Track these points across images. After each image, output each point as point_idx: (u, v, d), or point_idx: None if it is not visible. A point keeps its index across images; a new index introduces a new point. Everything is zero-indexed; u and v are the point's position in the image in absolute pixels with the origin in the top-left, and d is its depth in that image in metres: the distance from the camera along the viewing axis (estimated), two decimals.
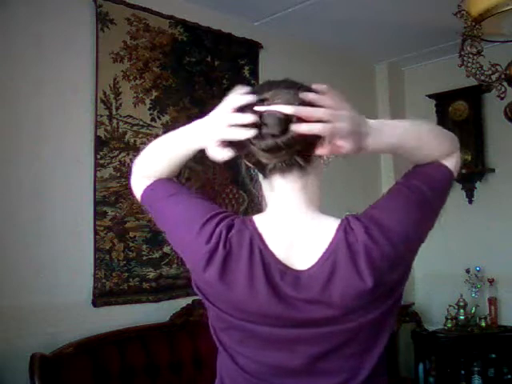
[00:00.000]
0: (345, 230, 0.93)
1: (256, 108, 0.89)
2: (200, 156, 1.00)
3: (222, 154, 0.91)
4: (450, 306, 3.65)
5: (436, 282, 3.93)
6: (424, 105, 3.95)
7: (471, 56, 2.24)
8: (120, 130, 2.69)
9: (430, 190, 0.97)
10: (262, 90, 0.92)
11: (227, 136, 0.89)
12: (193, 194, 1.07)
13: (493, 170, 3.77)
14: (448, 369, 3.54)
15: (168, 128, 2.70)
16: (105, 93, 2.64)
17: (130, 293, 2.66)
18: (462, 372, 3.50)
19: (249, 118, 0.87)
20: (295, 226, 0.97)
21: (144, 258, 2.73)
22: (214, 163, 1.00)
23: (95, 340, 2.38)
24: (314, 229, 0.96)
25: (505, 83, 2.31)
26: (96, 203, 2.58)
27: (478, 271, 3.66)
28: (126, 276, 2.65)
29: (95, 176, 2.58)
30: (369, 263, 0.90)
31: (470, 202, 3.82)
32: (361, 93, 3.89)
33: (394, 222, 0.93)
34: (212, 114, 0.93)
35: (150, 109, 2.82)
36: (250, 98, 0.89)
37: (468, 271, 3.67)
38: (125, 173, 2.62)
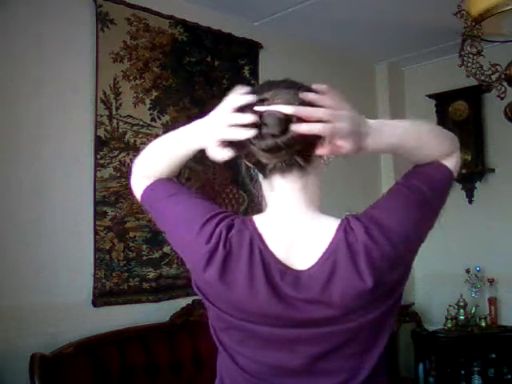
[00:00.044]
0: (345, 229, 0.93)
1: (256, 108, 0.89)
2: (200, 156, 1.00)
3: (222, 154, 0.91)
4: (449, 306, 3.65)
5: (436, 282, 3.92)
6: (424, 105, 3.95)
7: (471, 56, 2.24)
8: (120, 130, 2.69)
9: (430, 190, 0.97)
10: (262, 90, 0.92)
11: (227, 136, 0.89)
12: (193, 194, 1.07)
13: (493, 170, 3.77)
14: (448, 369, 3.54)
15: (168, 128, 2.70)
16: (105, 93, 2.64)
17: (130, 293, 2.66)
18: (462, 372, 3.50)
19: (249, 117, 0.87)
20: (295, 226, 0.97)
21: (144, 257, 2.73)
22: (214, 163, 1.00)
23: (95, 340, 2.38)
24: (314, 229, 0.96)
25: (505, 83, 2.31)
26: (96, 203, 2.58)
27: (478, 271, 3.66)
28: (126, 276, 2.65)
29: (95, 176, 2.58)
30: (369, 263, 0.90)
31: (470, 202, 3.82)
32: (361, 93, 3.89)
33: (394, 222, 0.93)
34: (212, 114, 0.93)
35: (150, 109, 2.82)
36: (250, 98, 0.89)
37: (468, 271, 3.67)
38: (125, 173, 2.62)
